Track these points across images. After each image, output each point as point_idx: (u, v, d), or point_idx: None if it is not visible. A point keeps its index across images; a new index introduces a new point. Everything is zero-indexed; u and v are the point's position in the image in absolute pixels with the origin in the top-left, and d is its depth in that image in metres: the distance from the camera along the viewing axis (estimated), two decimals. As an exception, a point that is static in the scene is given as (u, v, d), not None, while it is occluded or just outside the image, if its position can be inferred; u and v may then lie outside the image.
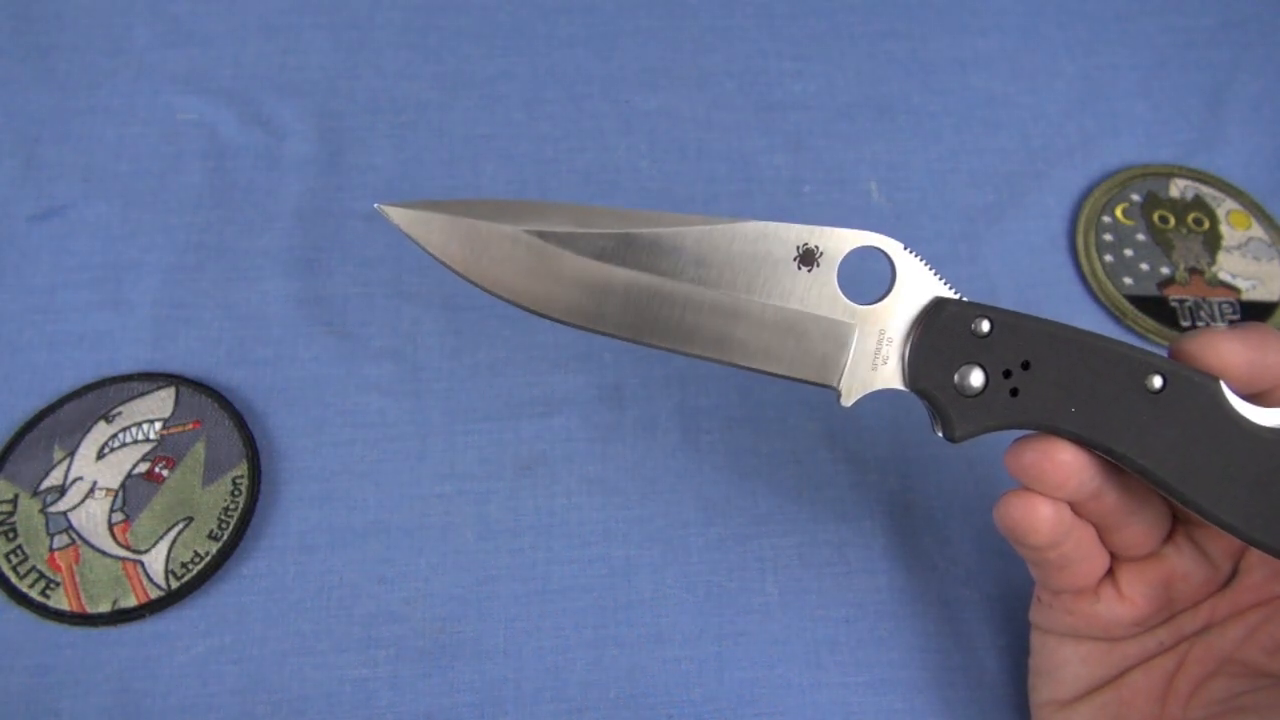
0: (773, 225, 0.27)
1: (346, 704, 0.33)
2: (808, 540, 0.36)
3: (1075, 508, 0.27)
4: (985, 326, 0.26)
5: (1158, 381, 0.25)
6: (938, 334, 0.26)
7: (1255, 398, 0.26)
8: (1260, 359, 0.25)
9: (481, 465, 0.37)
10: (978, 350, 0.26)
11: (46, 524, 0.34)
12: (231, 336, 0.39)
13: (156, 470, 0.36)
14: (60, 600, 0.33)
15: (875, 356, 0.27)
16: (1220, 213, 0.44)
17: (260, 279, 0.40)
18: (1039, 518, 0.26)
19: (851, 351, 0.27)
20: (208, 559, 0.34)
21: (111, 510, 0.35)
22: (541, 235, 0.27)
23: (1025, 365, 0.26)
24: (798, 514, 0.37)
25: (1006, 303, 0.42)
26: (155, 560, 0.34)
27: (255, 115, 0.44)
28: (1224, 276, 0.43)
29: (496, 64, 0.47)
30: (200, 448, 0.36)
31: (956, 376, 0.26)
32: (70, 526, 0.34)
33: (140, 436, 0.36)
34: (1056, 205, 0.45)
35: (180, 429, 0.36)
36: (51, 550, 0.34)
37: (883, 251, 0.27)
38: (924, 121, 0.47)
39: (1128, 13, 0.51)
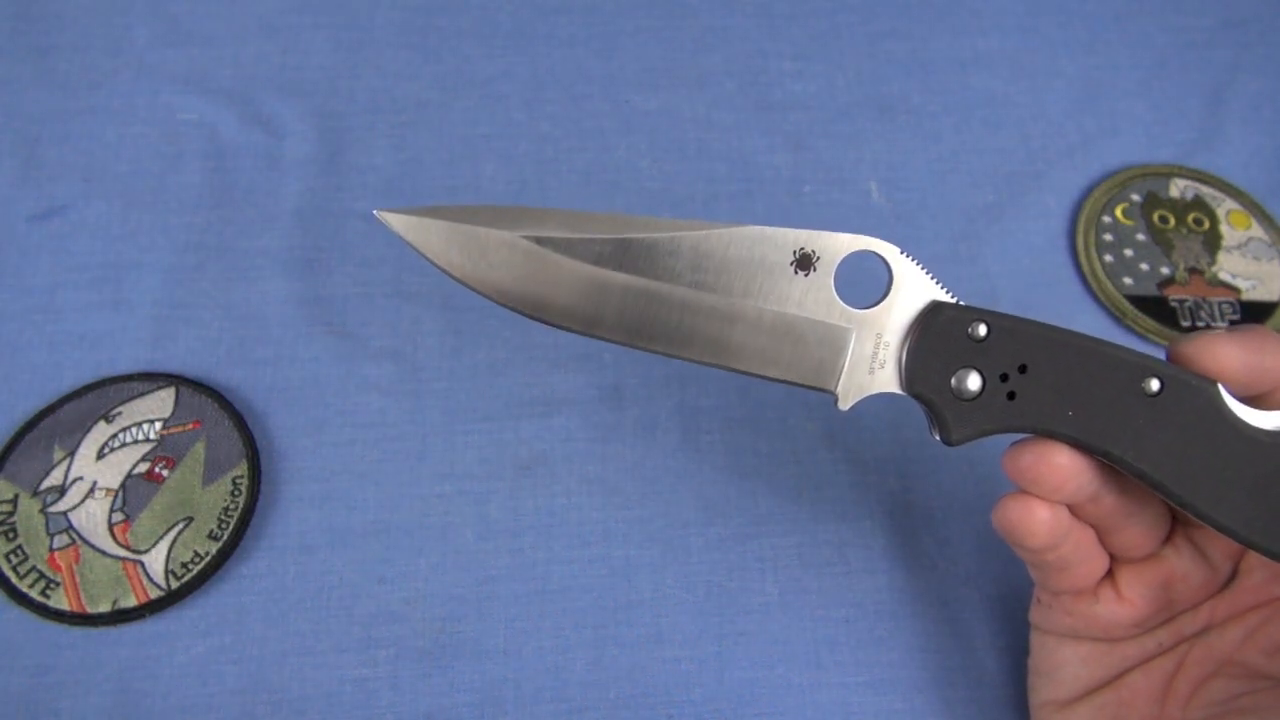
0: (769, 230, 0.27)
1: (346, 704, 0.33)
2: (808, 540, 0.36)
3: (1073, 510, 0.27)
4: (982, 330, 0.26)
5: (1155, 385, 0.25)
6: (934, 338, 0.26)
7: (1253, 400, 0.26)
8: (1258, 362, 0.25)
9: (481, 465, 0.37)
10: (974, 354, 0.26)
11: (46, 524, 0.34)
12: (231, 336, 0.39)
13: (156, 470, 0.36)
14: (60, 600, 0.33)
15: (872, 360, 0.27)
16: (1220, 213, 0.44)
17: (260, 279, 0.40)
18: (1036, 520, 0.26)
19: (848, 356, 0.27)
20: (208, 559, 0.34)
21: (111, 510, 0.35)
22: (538, 241, 0.27)
23: (1022, 369, 0.26)
24: (798, 514, 0.37)
25: (1006, 303, 0.42)
26: (155, 560, 0.34)
27: (255, 115, 0.44)
28: (1224, 276, 0.43)
29: (496, 64, 0.47)
30: (200, 448, 0.36)
31: (953, 380, 0.26)
32: (70, 526, 0.34)
33: (140, 436, 0.36)
34: (1056, 205, 0.45)
35: (180, 429, 0.36)
36: (51, 550, 0.34)
37: (879, 256, 0.27)
38: (924, 121, 0.46)
39: (1128, 13, 0.51)
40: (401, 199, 0.43)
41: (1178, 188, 0.45)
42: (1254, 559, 0.28)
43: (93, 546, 0.34)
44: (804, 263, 0.27)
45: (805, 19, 0.49)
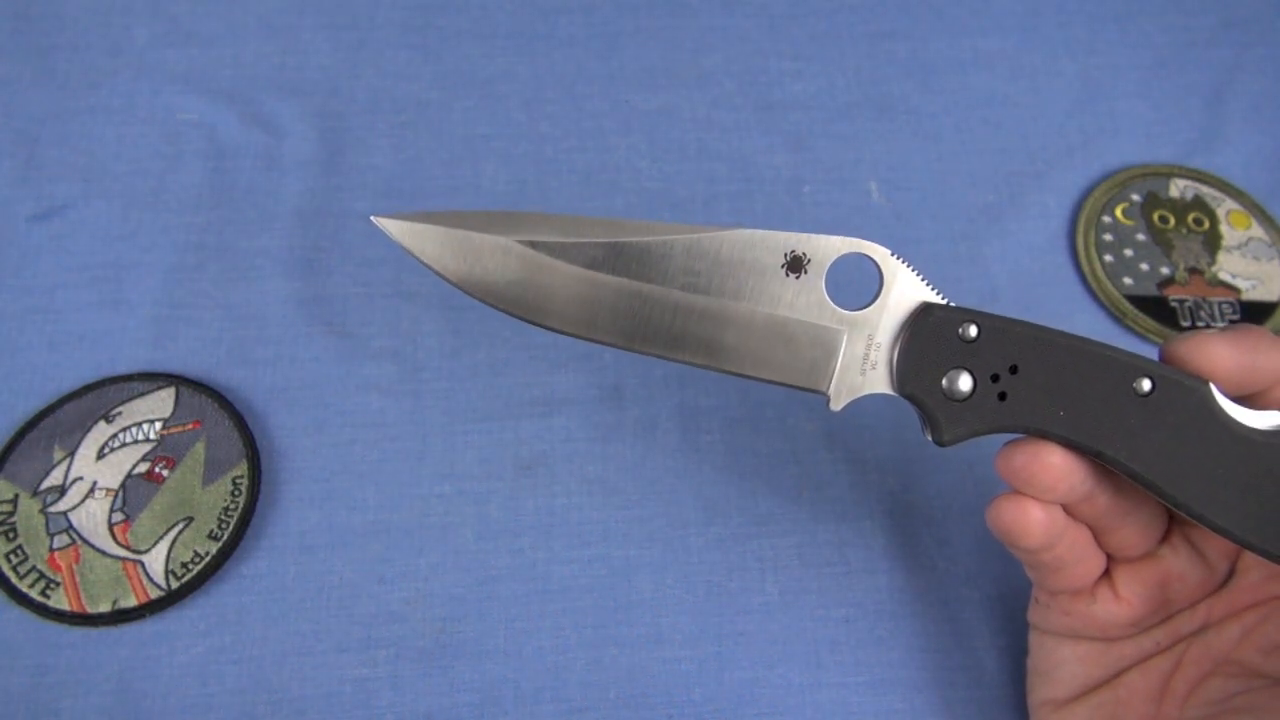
0: (760, 233, 0.27)
1: (346, 704, 0.33)
2: (808, 540, 0.36)
3: (1068, 510, 0.27)
4: (972, 331, 0.26)
5: (1146, 385, 0.25)
6: (925, 339, 0.26)
7: (1247, 400, 0.26)
8: (1251, 361, 0.25)
9: (481, 465, 0.37)
10: (965, 355, 0.26)
11: (46, 524, 0.34)
12: (231, 336, 0.39)
13: (156, 470, 0.36)
14: (60, 600, 0.33)
15: (864, 362, 0.27)
16: (1220, 213, 0.44)
17: (260, 279, 0.40)
18: (1031, 520, 0.26)
19: (840, 357, 0.27)
20: (208, 559, 0.34)
21: (111, 510, 0.35)
22: (533, 245, 0.27)
23: (1013, 369, 0.26)
24: (798, 514, 0.37)
25: (1006, 302, 0.42)
26: (155, 560, 0.34)
27: (255, 115, 0.44)
28: (1224, 276, 0.43)
29: (496, 64, 0.47)
30: (200, 448, 0.36)
31: (944, 381, 0.26)
32: (70, 526, 0.34)
33: (140, 436, 0.36)
34: (1056, 205, 0.45)
35: (180, 429, 0.36)
36: (51, 550, 0.34)
37: (870, 258, 0.27)
38: (924, 121, 0.47)
39: (1128, 13, 0.51)
40: (401, 199, 0.43)
41: (1178, 188, 0.45)
42: (1251, 558, 0.28)
43: (93, 546, 0.34)
44: (795, 265, 0.27)
45: (805, 19, 0.49)
